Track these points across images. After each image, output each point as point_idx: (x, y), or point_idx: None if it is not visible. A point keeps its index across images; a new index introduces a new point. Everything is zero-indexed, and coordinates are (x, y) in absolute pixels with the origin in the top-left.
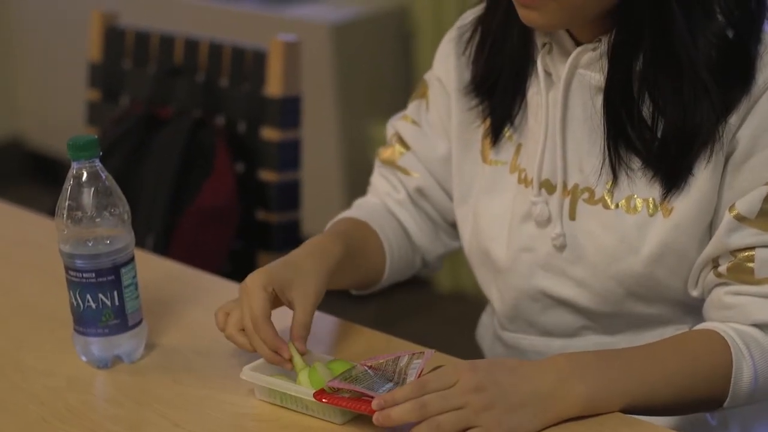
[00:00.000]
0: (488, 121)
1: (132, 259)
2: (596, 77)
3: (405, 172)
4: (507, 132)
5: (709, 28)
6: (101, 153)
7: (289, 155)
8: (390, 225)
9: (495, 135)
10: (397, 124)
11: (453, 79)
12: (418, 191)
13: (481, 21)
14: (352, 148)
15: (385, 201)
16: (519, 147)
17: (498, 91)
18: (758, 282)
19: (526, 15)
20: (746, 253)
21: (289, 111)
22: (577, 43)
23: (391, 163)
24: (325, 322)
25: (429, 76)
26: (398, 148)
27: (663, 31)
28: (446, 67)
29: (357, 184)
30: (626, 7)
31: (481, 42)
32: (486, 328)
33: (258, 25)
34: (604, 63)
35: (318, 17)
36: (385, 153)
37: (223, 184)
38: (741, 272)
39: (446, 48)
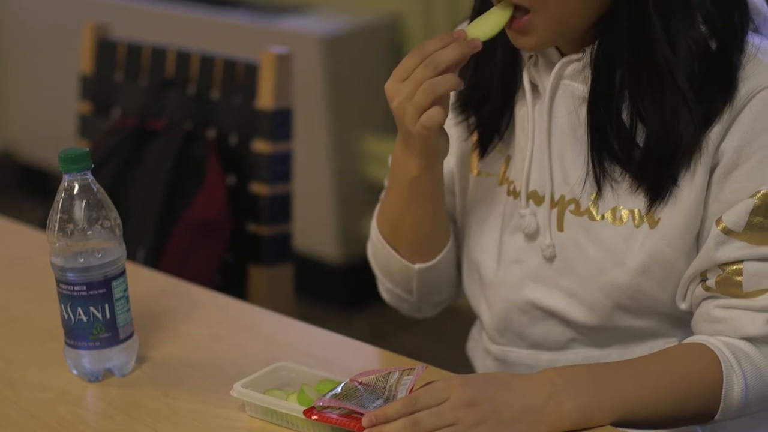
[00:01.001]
0: (476, 135)
1: (123, 272)
2: (580, 88)
3: None
4: (496, 145)
5: (690, 39)
6: (93, 165)
7: (281, 168)
8: None
9: (483, 148)
10: None
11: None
12: None
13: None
14: (344, 161)
15: None
16: (508, 159)
17: (486, 106)
18: (747, 295)
19: (517, 40)
20: (734, 267)
21: (280, 123)
22: (563, 55)
23: None
24: (317, 336)
25: None
26: None
27: (643, 42)
28: None
29: (348, 197)
30: (608, 18)
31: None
32: (476, 342)
33: (249, 38)
34: (588, 74)
35: (309, 30)
36: None
37: (215, 196)
38: (730, 286)
39: None
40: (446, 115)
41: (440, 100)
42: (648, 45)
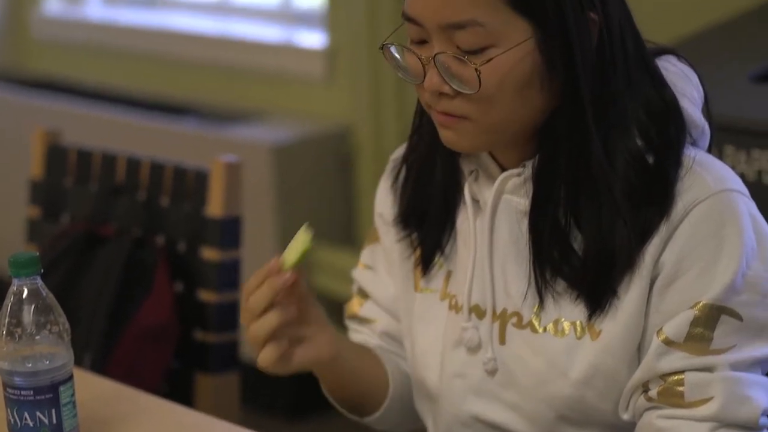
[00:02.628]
0: (418, 252)
1: (71, 377)
2: (521, 202)
3: (368, 321)
4: (437, 260)
5: (627, 152)
6: (42, 270)
7: (229, 276)
8: (385, 357)
9: (425, 265)
10: (355, 275)
11: (390, 213)
12: (385, 335)
13: (406, 154)
14: None
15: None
16: (449, 274)
17: (427, 222)
18: (689, 405)
19: (444, 135)
20: (676, 377)
21: (229, 231)
22: (503, 169)
23: (354, 317)
24: None
25: (375, 216)
26: (357, 299)
27: (581, 155)
28: (385, 201)
29: None
30: (546, 131)
31: (407, 175)
32: None
33: (200, 146)
34: (529, 188)
35: (259, 138)
36: (349, 309)
37: (163, 303)
38: (672, 396)
39: (383, 183)
40: (280, 350)
41: (272, 336)
42: (586, 158)
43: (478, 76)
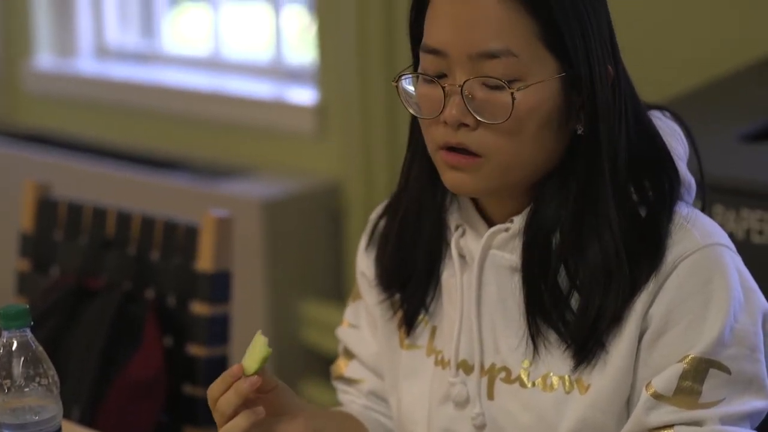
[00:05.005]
0: (400, 312)
1: (59, 430)
2: (509, 257)
3: (355, 381)
4: (422, 318)
5: (626, 206)
6: (32, 323)
7: (218, 330)
8: (369, 418)
9: (409, 325)
10: (339, 334)
11: (371, 273)
12: (371, 395)
13: (393, 206)
14: (281, 326)
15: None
16: (434, 330)
17: (411, 283)
18: None
19: (451, 177)
20: (665, 431)
21: (219, 286)
22: (489, 224)
23: (340, 378)
24: None
25: (357, 274)
26: (342, 360)
27: (586, 207)
28: (366, 262)
29: (285, 362)
30: (545, 182)
31: (388, 230)
32: None
33: (190, 200)
34: (518, 243)
35: (250, 193)
36: (335, 370)
37: (152, 357)
38: None
39: (363, 242)
40: None
41: None
42: (592, 209)
43: (513, 102)
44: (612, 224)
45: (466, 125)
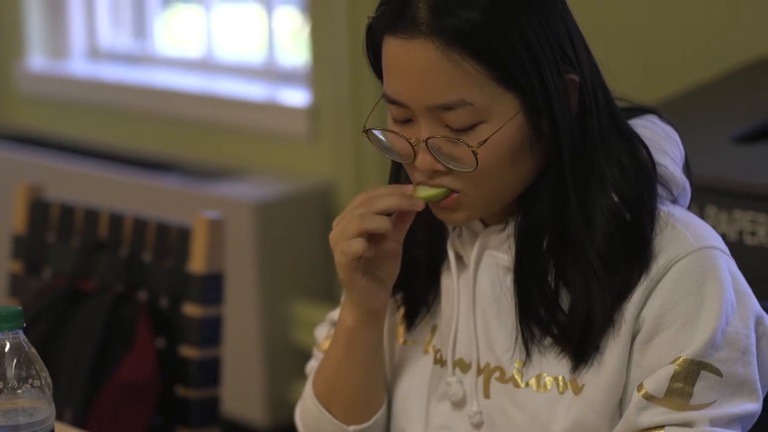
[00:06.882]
0: (402, 309)
1: None
2: (504, 258)
3: None
4: (424, 317)
5: (606, 209)
6: (25, 324)
7: (211, 332)
8: None
9: (411, 321)
10: (333, 314)
11: None
12: None
13: None
14: (273, 327)
15: None
16: (434, 328)
17: (413, 283)
18: None
19: (443, 216)
20: None
21: (211, 288)
22: (485, 224)
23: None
24: None
25: None
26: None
27: (561, 214)
28: None
29: (277, 363)
30: (531, 191)
31: None
32: None
33: (183, 202)
34: (512, 243)
35: (242, 195)
36: (324, 344)
37: (144, 358)
38: None
39: None
40: (369, 252)
41: (368, 237)
42: (565, 217)
43: (476, 156)
44: (596, 224)
45: (438, 171)
